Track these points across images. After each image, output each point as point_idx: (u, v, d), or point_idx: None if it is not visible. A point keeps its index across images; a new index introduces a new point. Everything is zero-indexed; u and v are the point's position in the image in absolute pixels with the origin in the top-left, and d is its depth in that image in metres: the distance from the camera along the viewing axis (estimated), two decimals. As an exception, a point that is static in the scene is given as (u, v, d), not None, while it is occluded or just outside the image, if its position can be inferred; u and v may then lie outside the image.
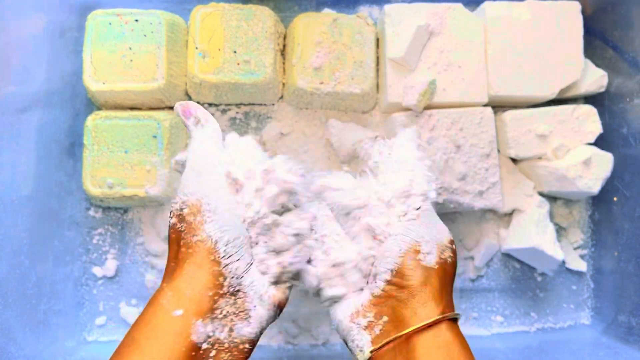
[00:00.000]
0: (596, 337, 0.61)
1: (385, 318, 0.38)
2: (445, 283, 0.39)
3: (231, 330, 0.36)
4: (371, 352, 0.37)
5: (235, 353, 0.36)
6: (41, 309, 0.54)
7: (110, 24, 0.55)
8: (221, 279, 0.36)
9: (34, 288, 0.53)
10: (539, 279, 0.62)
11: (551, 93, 0.58)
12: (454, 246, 0.41)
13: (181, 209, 0.38)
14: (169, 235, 0.39)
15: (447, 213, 0.60)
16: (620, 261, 0.60)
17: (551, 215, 0.61)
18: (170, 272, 0.37)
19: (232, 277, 0.36)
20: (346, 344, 0.40)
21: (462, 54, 0.57)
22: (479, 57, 0.57)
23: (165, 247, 0.59)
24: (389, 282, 0.38)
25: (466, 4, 0.59)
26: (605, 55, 0.61)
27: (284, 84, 0.59)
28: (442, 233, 0.41)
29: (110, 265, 0.59)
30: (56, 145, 0.57)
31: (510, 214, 0.61)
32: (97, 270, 0.59)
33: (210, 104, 0.60)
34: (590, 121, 0.58)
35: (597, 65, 0.60)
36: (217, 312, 0.36)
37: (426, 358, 0.35)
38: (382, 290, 0.39)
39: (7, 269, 0.50)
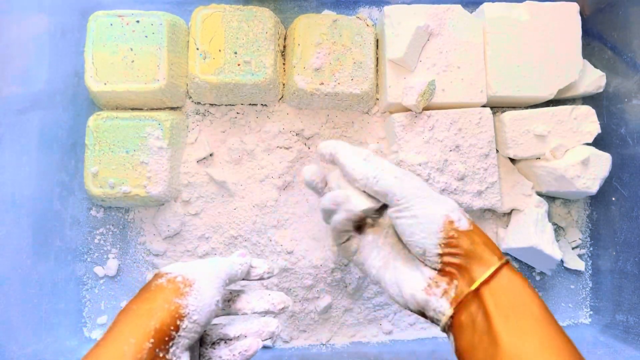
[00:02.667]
0: (594, 336, 0.61)
1: (456, 282, 0.42)
2: (485, 237, 0.43)
3: None
4: (454, 309, 0.41)
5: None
6: (43, 308, 0.54)
7: (111, 25, 0.55)
8: (165, 342, 0.37)
9: (36, 287, 0.53)
10: (538, 278, 0.63)
11: (550, 93, 0.58)
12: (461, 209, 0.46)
13: (175, 277, 0.40)
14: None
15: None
16: (619, 260, 0.60)
17: (550, 215, 0.61)
18: (137, 300, 0.39)
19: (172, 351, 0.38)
20: (423, 314, 0.44)
21: (461, 55, 0.58)
22: (478, 58, 0.58)
23: (167, 246, 0.59)
24: (442, 255, 0.43)
25: (465, 5, 0.59)
26: (604, 56, 0.61)
27: (284, 85, 0.60)
28: (450, 202, 0.45)
29: (112, 265, 0.59)
30: (58, 145, 0.57)
31: (508, 214, 0.61)
32: (99, 270, 0.59)
33: (211, 105, 0.60)
34: (588, 121, 0.58)
35: (596, 66, 0.61)
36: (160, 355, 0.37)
37: (494, 301, 0.40)
38: (442, 263, 0.43)
39: (9, 268, 0.50)
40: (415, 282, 0.44)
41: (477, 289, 0.41)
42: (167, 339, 0.37)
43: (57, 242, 0.57)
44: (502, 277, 0.41)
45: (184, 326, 0.38)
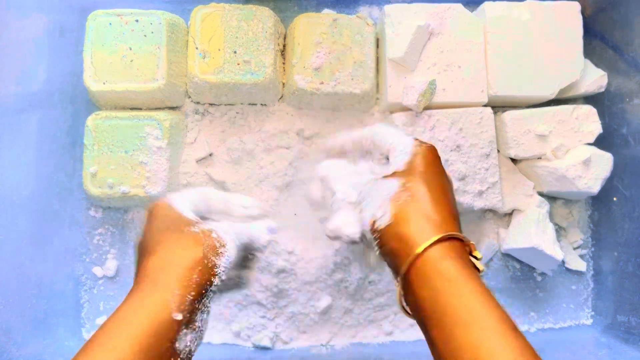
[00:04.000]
0: (596, 336, 0.61)
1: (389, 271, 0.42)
2: (417, 217, 0.39)
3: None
4: (402, 277, 0.39)
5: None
6: (42, 309, 0.54)
7: (110, 24, 0.55)
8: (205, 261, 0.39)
9: (35, 288, 0.53)
10: (539, 278, 0.62)
11: (551, 93, 0.58)
12: (414, 179, 0.42)
13: (208, 234, 0.41)
14: (177, 231, 0.40)
15: (447, 213, 0.60)
16: (620, 261, 0.60)
17: (551, 215, 0.61)
18: (173, 268, 0.38)
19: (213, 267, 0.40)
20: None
21: (462, 54, 0.57)
22: (478, 57, 0.57)
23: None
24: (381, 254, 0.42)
25: (466, 4, 0.59)
26: (605, 55, 0.61)
27: (284, 84, 0.59)
28: (392, 183, 0.42)
29: (111, 265, 0.59)
30: (57, 145, 0.57)
31: (510, 214, 0.61)
32: (98, 270, 0.59)
33: (210, 104, 0.60)
34: (589, 121, 0.58)
35: (597, 65, 0.60)
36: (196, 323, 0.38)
37: (437, 268, 0.37)
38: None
39: (8, 268, 0.50)
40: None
41: (405, 278, 0.38)
42: (203, 292, 0.38)
43: (55, 243, 0.57)
44: (423, 265, 0.37)
45: (215, 283, 0.39)
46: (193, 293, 0.37)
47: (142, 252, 0.40)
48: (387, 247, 0.40)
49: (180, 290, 0.37)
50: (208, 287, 0.39)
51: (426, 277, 0.37)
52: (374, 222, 0.41)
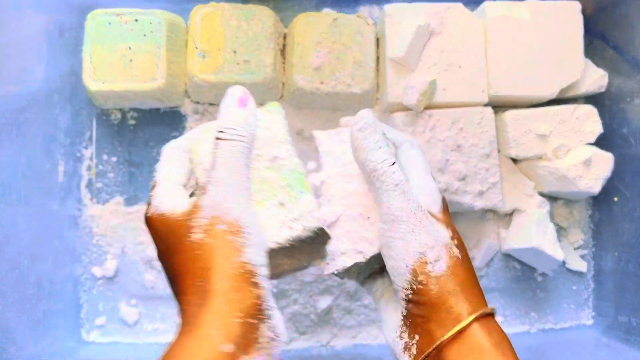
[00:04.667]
0: (597, 337, 0.60)
1: (416, 337, 0.36)
2: (464, 282, 0.36)
3: (271, 358, 0.32)
4: (436, 346, 0.35)
5: None
6: (41, 309, 0.54)
7: (109, 23, 0.55)
8: (260, 302, 0.32)
9: (34, 288, 0.53)
10: (539, 279, 0.62)
11: (551, 93, 0.58)
12: (457, 236, 0.39)
13: (213, 225, 0.33)
14: (183, 251, 0.34)
15: (448, 213, 0.60)
16: (621, 261, 0.60)
17: (551, 216, 0.61)
18: (203, 291, 0.32)
19: (267, 301, 0.33)
20: None
21: (463, 54, 0.57)
22: (479, 57, 0.57)
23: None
24: (408, 301, 0.37)
25: (466, 3, 0.59)
26: (606, 55, 0.61)
27: (283, 84, 0.59)
28: (442, 230, 0.38)
29: (110, 266, 0.59)
30: (56, 145, 0.57)
31: (510, 214, 0.61)
32: (97, 271, 0.59)
33: (210, 104, 0.60)
34: (590, 121, 0.58)
35: (597, 65, 0.60)
36: (261, 340, 0.32)
37: (478, 342, 0.34)
38: (407, 309, 0.37)
39: (7, 269, 0.50)
40: (391, 325, 0.39)
41: (440, 349, 0.35)
42: (252, 301, 0.32)
43: (54, 243, 0.56)
44: (471, 336, 0.34)
45: (260, 281, 0.33)
46: (238, 313, 0.31)
47: (172, 285, 0.35)
48: (426, 301, 0.35)
49: (219, 317, 0.31)
50: (255, 292, 0.32)
51: (466, 353, 0.34)
52: (424, 262, 0.36)
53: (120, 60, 0.55)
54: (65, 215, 0.58)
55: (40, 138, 0.55)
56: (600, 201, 0.62)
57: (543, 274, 0.62)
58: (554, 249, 0.57)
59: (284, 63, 0.59)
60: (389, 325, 0.39)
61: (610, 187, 0.59)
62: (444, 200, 0.41)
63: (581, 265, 0.62)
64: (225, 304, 0.31)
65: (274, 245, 0.35)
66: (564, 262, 0.62)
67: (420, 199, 0.38)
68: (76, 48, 0.58)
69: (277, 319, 0.33)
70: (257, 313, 0.32)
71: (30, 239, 0.53)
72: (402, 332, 0.37)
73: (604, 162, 0.57)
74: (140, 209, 0.59)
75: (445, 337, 0.34)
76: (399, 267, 0.37)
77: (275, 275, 0.38)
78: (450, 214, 0.60)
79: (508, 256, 0.62)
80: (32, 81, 0.54)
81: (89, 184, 0.59)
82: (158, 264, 0.58)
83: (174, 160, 0.38)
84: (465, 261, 0.38)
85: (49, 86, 0.56)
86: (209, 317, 0.31)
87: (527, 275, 0.62)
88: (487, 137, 0.57)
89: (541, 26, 0.58)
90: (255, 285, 0.32)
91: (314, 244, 0.37)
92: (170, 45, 0.55)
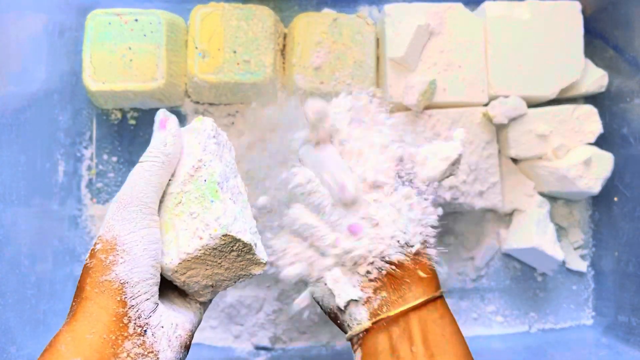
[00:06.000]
0: (597, 337, 0.60)
1: (383, 294, 0.40)
2: (431, 260, 0.42)
3: None
4: (372, 323, 0.39)
5: None
6: (41, 309, 0.54)
7: (109, 23, 0.55)
8: (126, 320, 0.33)
9: (34, 288, 0.53)
10: (539, 279, 0.62)
11: (551, 93, 0.58)
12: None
13: (95, 245, 0.35)
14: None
15: (447, 213, 0.60)
16: (621, 261, 0.60)
17: (551, 215, 0.61)
18: (70, 313, 0.34)
19: (139, 318, 0.34)
20: (336, 317, 0.42)
21: (462, 54, 0.57)
22: (479, 57, 0.57)
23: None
24: (389, 262, 0.40)
25: (466, 3, 0.59)
26: (606, 55, 0.61)
27: (284, 84, 0.59)
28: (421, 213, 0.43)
29: (110, 266, 0.59)
30: (56, 145, 0.57)
31: (510, 214, 0.61)
32: (97, 271, 0.59)
33: (210, 104, 0.60)
34: (590, 121, 0.58)
35: (598, 65, 0.60)
36: (123, 355, 0.33)
37: (422, 332, 0.38)
38: (379, 271, 0.40)
39: (7, 269, 0.50)
40: (348, 283, 0.41)
41: (406, 313, 0.39)
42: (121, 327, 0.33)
43: (55, 243, 0.56)
44: (436, 309, 0.39)
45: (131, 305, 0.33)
46: (93, 330, 0.33)
47: None
48: (406, 267, 0.41)
49: (72, 334, 0.33)
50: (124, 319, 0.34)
51: (432, 320, 0.39)
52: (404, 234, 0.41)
53: (120, 60, 0.55)
54: (65, 215, 0.58)
55: (40, 138, 0.55)
56: (600, 201, 0.62)
57: (543, 274, 0.62)
58: (554, 249, 0.57)
59: (284, 63, 0.59)
60: (344, 284, 0.41)
61: (610, 187, 0.59)
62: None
63: (581, 265, 0.62)
64: (82, 321, 0.33)
65: (184, 256, 0.36)
66: (564, 262, 0.62)
67: None
68: (76, 48, 0.58)
69: (154, 336, 0.34)
70: (117, 330, 0.33)
71: (30, 239, 0.53)
72: (364, 288, 0.40)
73: (604, 162, 0.57)
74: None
75: (420, 300, 0.39)
76: (385, 240, 0.41)
77: (210, 286, 0.38)
78: (450, 213, 0.60)
79: (508, 256, 0.62)
80: (32, 81, 0.54)
81: (89, 184, 0.59)
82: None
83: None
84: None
85: (49, 86, 0.56)
86: (63, 335, 0.33)
87: (527, 275, 0.62)
88: (487, 137, 0.57)
89: (541, 26, 0.58)
90: (122, 303, 0.33)
91: (237, 251, 0.36)
92: (170, 45, 0.55)
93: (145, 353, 0.33)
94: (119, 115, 0.60)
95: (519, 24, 0.58)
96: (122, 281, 0.33)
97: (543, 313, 0.62)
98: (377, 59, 0.59)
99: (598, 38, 0.61)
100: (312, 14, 0.58)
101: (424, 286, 0.40)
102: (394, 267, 0.40)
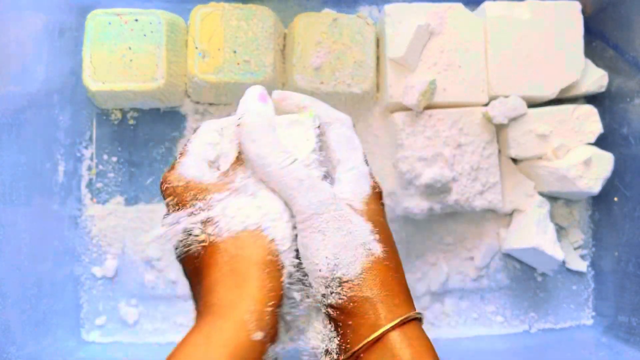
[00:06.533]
0: (597, 337, 0.60)
1: (335, 341, 0.35)
2: (384, 283, 0.34)
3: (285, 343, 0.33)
4: (352, 354, 0.33)
5: None
6: (41, 309, 0.54)
7: (109, 23, 0.55)
8: (283, 292, 0.33)
9: (34, 288, 0.53)
10: (539, 279, 0.62)
11: (551, 93, 0.58)
12: (381, 229, 0.36)
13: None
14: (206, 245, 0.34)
15: (447, 213, 0.60)
16: (621, 261, 0.60)
17: (551, 215, 0.61)
18: (237, 280, 0.32)
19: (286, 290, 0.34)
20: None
21: (463, 54, 0.57)
22: (479, 57, 0.57)
23: (164, 247, 0.58)
24: (326, 305, 0.35)
25: (466, 3, 0.59)
26: (606, 55, 0.61)
27: (283, 84, 0.59)
28: (361, 224, 0.35)
29: (110, 265, 0.59)
30: (56, 145, 0.57)
31: (510, 214, 0.61)
32: (97, 270, 0.59)
33: (210, 104, 0.60)
34: (590, 121, 0.58)
35: (598, 65, 0.60)
36: (279, 331, 0.33)
37: (396, 354, 0.32)
38: (325, 312, 0.35)
39: (7, 269, 0.50)
40: (314, 326, 0.37)
41: (356, 357, 0.32)
42: (281, 293, 0.32)
43: (54, 243, 0.56)
44: (388, 346, 0.32)
45: (288, 272, 0.33)
46: (270, 302, 0.31)
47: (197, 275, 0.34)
48: (341, 305, 0.33)
49: (254, 304, 0.31)
50: (282, 283, 0.33)
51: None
52: (335, 266, 0.33)
53: (120, 60, 0.55)
54: (65, 215, 0.58)
55: (40, 138, 0.55)
56: (600, 201, 0.62)
57: (543, 274, 0.62)
58: (554, 249, 0.57)
59: (284, 63, 0.59)
60: (312, 327, 0.37)
61: (610, 187, 0.59)
62: (375, 187, 0.38)
63: (581, 265, 0.62)
64: (259, 291, 0.31)
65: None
66: (564, 262, 0.62)
67: (338, 190, 0.36)
68: (76, 48, 0.58)
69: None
70: (281, 303, 0.32)
71: (30, 239, 0.53)
72: (323, 335, 0.36)
73: (604, 162, 0.57)
74: (140, 208, 0.59)
75: (359, 346, 0.32)
76: (313, 271, 0.34)
77: None
78: (450, 213, 0.60)
79: (508, 256, 0.62)
80: (32, 81, 0.54)
81: (89, 184, 0.59)
82: (158, 264, 0.59)
83: (206, 138, 0.38)
84: (388, 258, 0.35)
85: (49, 86, 0.56)
86: (244, 303, 0.31)
87: (527, 275, 0.62)
88: (487, 137, 0.57)
89: (541, 26, 0.58)
90: (281, 273, 0.33)
91: None
92: (170, 45, 0.55)
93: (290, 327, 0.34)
94: (119, 115, 0.60)
95: (519, 24, 0.58)
96: (280, 248, 0.34)
97: (543, 313, 0.62)
98: (377, 59, 0.59)
99: (598, 38, 0.61)
100: (312, 14, 0.58)
101: (368, 322, 0.33)
102: (330, 303, 0.34)
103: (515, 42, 0.58)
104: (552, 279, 0.62)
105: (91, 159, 0.60)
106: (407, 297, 0.35)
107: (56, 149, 0.57)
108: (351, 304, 0.33)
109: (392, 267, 0.35)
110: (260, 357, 0.31)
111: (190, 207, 0.34)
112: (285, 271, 0.33)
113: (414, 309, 0.34)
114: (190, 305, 0.59)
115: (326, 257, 0.33)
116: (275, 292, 0.32)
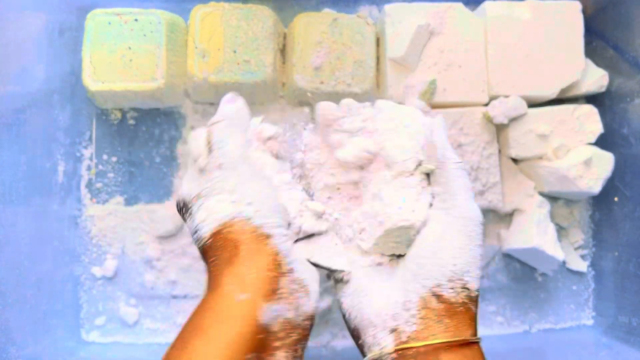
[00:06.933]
0: (597, 337, 0.60)
1: (414, 327, 0.37)
2: (477, 306, 0.38)
3: (297, 308, 0.36)
4: (396, 351, 0.36)
5: (300, 331, 0.36)
6: (41, 310, 0.54)
7: (109, 23, 0.55)
8: (279, 258, 0.37)
9: (34, 288, 0.53)
10: (540, 279, 0.62)
11: (552, 93, 0.58)
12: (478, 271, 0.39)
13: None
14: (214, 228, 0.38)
15: (448, 213, 0.60)
16: (621, 261, 0.60)
17: (552, 216, 0.61)
18: (226, 260, 0.37)
19: (286, 256, 0.37)
20: (358, 337, 0.39)
21: (463, 54, 0.57)
22: (479, 57, 0.57)
23: (163, 247, 0.58)
24: (427, 298, 0.37)
25: (466, 3, 0.59)
26: (606, 54, 0.61)
27: (283, 84, 0.59)
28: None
29: (110, 266, 0.59)
30: (55, 145, 0.57)
31: (510, 214, 0.61)
32: (97, 271, 0.59)
33: (210, 104, 0.60)
34: (591, 121, 0.58)
35: (598, 65, 0.60)
36: (282, 291, 0.36)
37: None
38: (426, 299, 0.37)
39: (7, 269, 0.50)
40: (384, 301, 0.38)
41: (436, 348, 0.35)
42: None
43: (54, 243, 0.56)
44: (472, 356, 0.36)
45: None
46: (253, 270, 0.36)
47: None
48: (452, 305, 0.37)
49: (237, 275, 0.36)
50: (273, 247, 0.37)
51: None
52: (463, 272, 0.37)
53: (120, 60, 0.55)
54: (65, 215, 0.58)
55: (40, 138, 0.55)
56: (600, 201, 0.62)
57: (543, 274, 0.62)
58: (554, 249, 0.57)
59: (284, 63, 0.59)
60: (379, 300, 0.38)
61: (610, 187, 0.59)
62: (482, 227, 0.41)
63: (581, 266, 0.62)
64: (243, 264, 0.36)
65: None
66: (564, 262, 0.62)
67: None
68: (76, 48, 0.58)
69: (301, 272, 0.38)
70: (274, 267, 0.36)
71: (30, 239, 0.53)
72: (396, 315, 0.37)
73: (605, 162, 0.57)
74: (140, 208, 0.59)
75: (452, 340, 0.35)
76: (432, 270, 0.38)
77: None
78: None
79: (508, 256, 0.62)
80: (32, 81, 0.54)
81: (89, 184, 0.59)
82: (158, 264, 0.58)
83: (192, 150, 0.42)
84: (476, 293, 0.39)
85: (49, 86, 0.56)
86: (227, 277, 0.36)
87: (527, 275, 0.62)
88: (487, 137, 0.57)
89: (541, 26, 0.58)
90: (271, 245, 0.37)
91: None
92: (170, 45, 0.55)
93: (299, 288, 0.37)
94: (119, 115, 0.60)
95: (519, 23, 0.58)
96: (265, 226, 0.38)
97: (543, 313, 0.62)
98: (377, 59, 0.59)
99: (598, 38, 0.61)
100: (312, 14, 0.58)
101: (459, 323, 0.36)
102: (435, 299, 0.37)
103: (515, 42, 0.58)
104: (553, 279, 0.62)
105: (91, 159, 0.60)
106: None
107: (56, 148, 0.57)
108: (462, 306, 0.37)
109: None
110: (254, 314, 0.34)
111: (188, 216, 0.40)
112: (272, 240, 0.37)
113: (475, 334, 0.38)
114: (190, 305, 0.59)
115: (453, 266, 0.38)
116: (260, 261, 0.36)
